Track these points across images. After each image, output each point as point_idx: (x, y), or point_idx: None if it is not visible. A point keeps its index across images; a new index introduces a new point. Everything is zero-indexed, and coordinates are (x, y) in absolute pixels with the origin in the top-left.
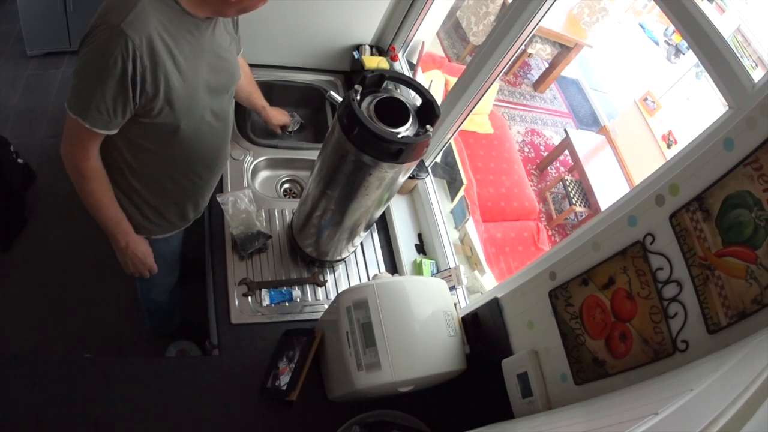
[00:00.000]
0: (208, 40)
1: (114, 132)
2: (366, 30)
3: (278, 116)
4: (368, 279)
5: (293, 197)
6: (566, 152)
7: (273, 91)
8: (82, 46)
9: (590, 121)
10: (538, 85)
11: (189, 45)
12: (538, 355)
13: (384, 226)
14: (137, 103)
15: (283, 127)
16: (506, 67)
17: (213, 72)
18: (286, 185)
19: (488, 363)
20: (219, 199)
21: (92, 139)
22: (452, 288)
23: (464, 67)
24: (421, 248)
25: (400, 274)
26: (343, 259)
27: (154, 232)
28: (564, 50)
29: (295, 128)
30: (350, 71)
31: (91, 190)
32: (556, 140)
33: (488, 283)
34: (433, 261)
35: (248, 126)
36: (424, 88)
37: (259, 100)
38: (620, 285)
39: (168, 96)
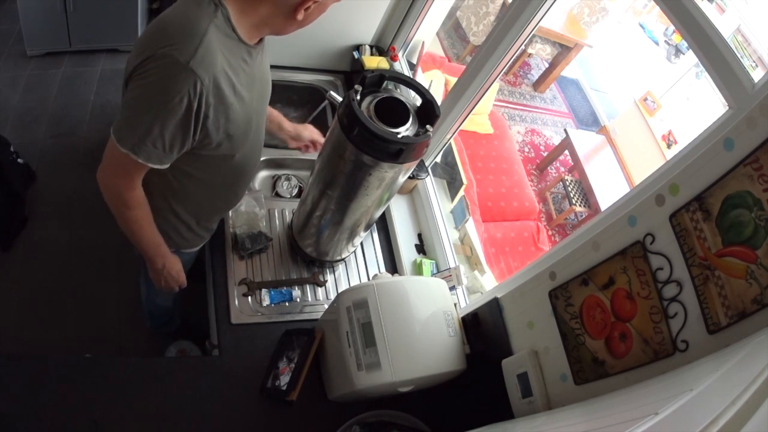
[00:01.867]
0: (258, 64)
1: (166, 166)
2: (366, 30)
3: (303, 131)
4: (368, 279)
5: (293, 197)
6: (566, 152)
7: (273, 91)
8: (139, 75)
9: (590, 121)
10: (538, 85)
11: (245, 75)
12: (538, 355)
13: (384, 226)
14: (196, 139)
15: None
16: (506, 67)
17: (261, 94)
18: (286, 185)
19: (488, 363)
20: None
21: (140, 172)
22: (452, 288)
23: (464, 67)
24: (421, 248)
25: (400, 274)
26: (343, 259)
27: (184, 247)
28: (564, 50)
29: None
30: (350, 71)
31: (134, 218)
32: (556, 140)
33: (488, 283)
34: (433, 261)
35: None
36: (424, 88)
37: (278, 119)
38: (620, 285)
39: (228, 130)
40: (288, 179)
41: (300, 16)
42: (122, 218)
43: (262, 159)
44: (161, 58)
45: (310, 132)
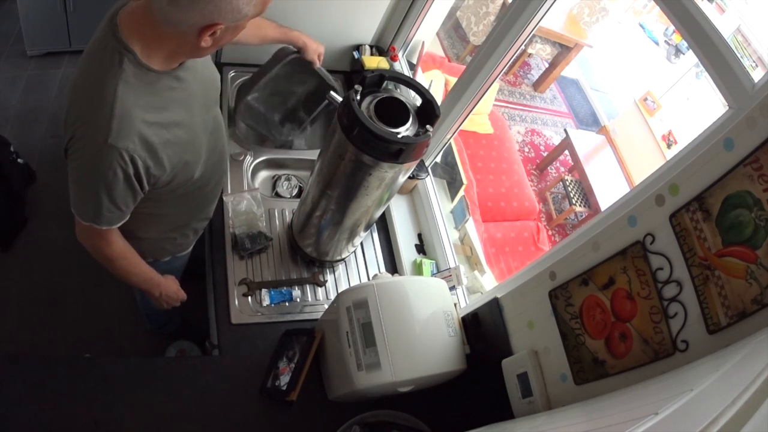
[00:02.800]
0: (192, 79)
1: (128, 217)
2: (366, 30)
3: (315, 44)
4: (368, 279)
5: (293, 197)
6: (566, 152)
7: None
8: (71, 154)
9: (590, 121)
10: (538, 85)
11: (178, 101)
12: (538, 355)
13: (384, 226)
14: (146, 189)
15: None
16: (506, 67)
17: (206, 104)
18: (286, 185)
19: (488, 363)
20: (224, 198)
21: (110, 231)
22: (452, 288)
23: (464, 67)
24: (421, 248)
25: (400, 274)
26: (343, 259)
27: (178, 251)
28: (564, 50)
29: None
30: (350, 71)
31: (121, 267)
32: (556, 140)
33: (488, 283)
34: (433, 261)
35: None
36: (424, 88)
37: (281, 31)
38: (620, 285)
39: (174, 165)
40: (288, 179)
41: (205, 43)
42: (110, 269)
43: (262, 159)
44: (81, 139)
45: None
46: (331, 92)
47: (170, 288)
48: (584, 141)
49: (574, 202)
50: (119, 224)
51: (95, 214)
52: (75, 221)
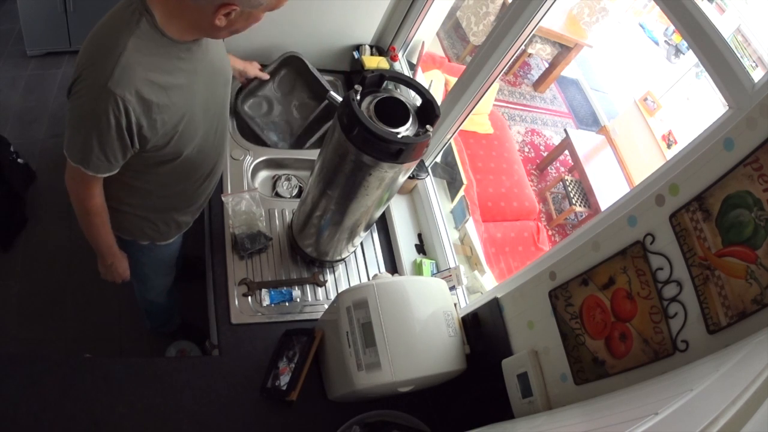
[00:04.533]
0: (201, 58)
1: (116, 171)
2: (366, 30)
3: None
4: (368, 279)
5: (293, 197)
6: (566, 152)
7: None
8: (71, 95)
9: (590, 121)
10: (538, 85)
11: (183, 72)
12: (538, 355)
13: (384, 226)
14: (137, 147)
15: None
16: (506, 67)
17: (210, 87)
18: (286, 185)
19: (488, 363)
20: (224, 198)
21: (96, 181)
22: (452, 288)
23: (464, 67)
24: (421, 248)
25: (400, 274)
26: (343, 259)
27: (158, 239)
28: (564, 50)
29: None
30: (350, 71)
31: (93, 223)
32: (556, 140)
33: (488, 283)
34: (433, 261)
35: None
36: (424, 88)
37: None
38: (620, 285)
39: (167, 131)
40: (288, 179)
41: (220, 22)
42: (82, 221)
43: (262, 159)
44: (85, 79)
45: (254, 69)
46: (331, 92)
47: (121, 264)
48: (584, 141)
49: (574, 202)
50: (105, 175)
51: (83, 156)
52: (66, 166)
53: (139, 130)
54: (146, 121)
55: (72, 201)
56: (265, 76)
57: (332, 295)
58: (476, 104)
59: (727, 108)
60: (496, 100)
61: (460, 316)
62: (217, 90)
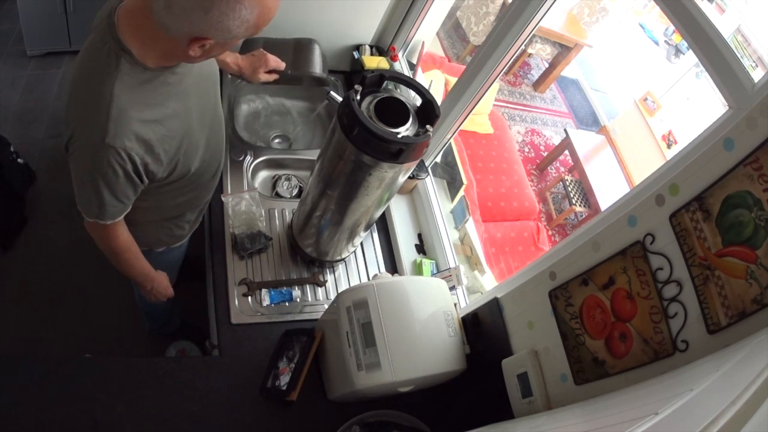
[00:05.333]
0: (188, 72)
1: (129, 208)
2: (366, 30)
3: (256, 60)
4: (368, 279)
5: (293, 197)
6: (566, 152)
7: None
8: (71, 153)
9: (590, 121)
10: (538, 85)
11: (174, 97)
12: (538, 355)
13: (384, 226)
14: (146, 182)
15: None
16: (506, 67)
17: (202, 95)
18: (286, 185)
19: (488, 363)
20: (223, 199)
21: (116, 224)
22: (452, 288)
23: (464, 67)
24: (421, 248)
25: (400, 274)
26: (343, 259)
27: (173, 243)
28: (564, 50)
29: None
30: (350, 71)
31: (125, 260)
32: (556, 140)
33: (488, 283)
34: (433, 261)
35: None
36: (424, 88)
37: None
38: (620, 285)
39: (171, 158)
40: (288, 179)
41: (194, 53)
42: (114, 260)
43: (262, 159)
44: (80, 138)
45: (265, 60)
46: (331, 92)
47: (162, 283)
48: (584, 141)
49: (574, 202)
50: (122, 216)
51: (99, 210)
52: (82, 217)
53: (145, 168)
54: (150, 158)
55: (99, 246)
56: (281, 64)
57: (332, 295)
58: (476, 104)
59: (727, 108)
60: (496, 100)
61: (460, 316)
62: (208, 93)
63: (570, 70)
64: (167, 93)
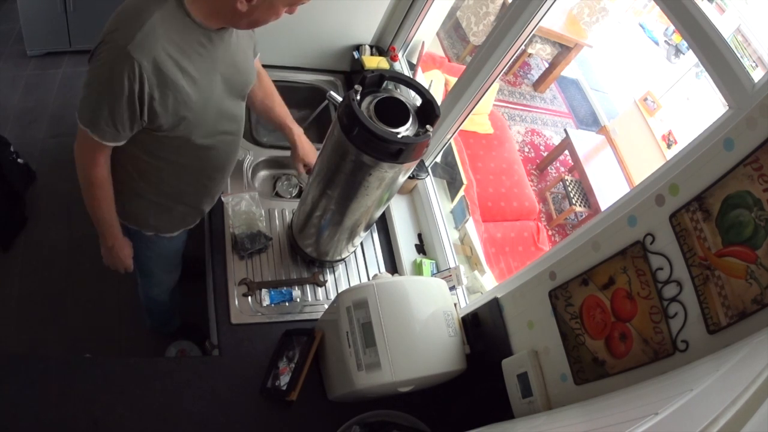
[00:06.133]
0: (223, 50)
1: (122, 143)
2: (366, 30)
3: (309, 151)
4: (368, 279)
5: (293, 197)
6: (566, 152)
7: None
8: (92, 59)
9: (590, 121)
10: (538, 85)
11: (201, 58)
12: (538, 355)
13: (384, 226)
14: (145, 120)
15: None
16: (506, 67)
17: (228, 82)
18: (286, 185)
19: (488, 363)
20: (223, 199)
21: (101, 149)
22: (452, 288)
23: (464, 67)
24: (421, 248)
25: (400, 274)
26: (343, 259)
27: (162, 230)
28: (564, 50)
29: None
30: (350, 71)
31: (95, 195)
32: (556, 140)
33: (488, 283)
34: (433, 261)
35: (251, 126)
36: (424, 88)
37: (285, 117)
38: (620, 285)
39: (178, 112)
40: (288, 179)
41: (242, 6)
42: (85, 192)
43: (262, 159)
44: (107, 42)
45: (309, 163)
46: (331, 92)
47: (123, 249)
48: (584, 141)
49: (574, 202)
50: (110, 143)
51: (92, 119)
52: (78, 131)
53: (150, 102)
54: (158, 94)
55: (77, 171)
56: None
57: (332, 295)
58: (476, 104)
59: (727, 108)
60: (496, 100)
61: (460, 316)
62: (236, 85)
63: (570, 70)
64: (197, 51)
